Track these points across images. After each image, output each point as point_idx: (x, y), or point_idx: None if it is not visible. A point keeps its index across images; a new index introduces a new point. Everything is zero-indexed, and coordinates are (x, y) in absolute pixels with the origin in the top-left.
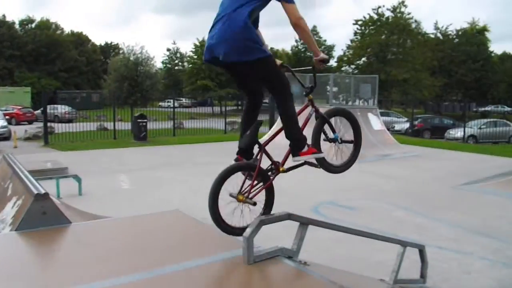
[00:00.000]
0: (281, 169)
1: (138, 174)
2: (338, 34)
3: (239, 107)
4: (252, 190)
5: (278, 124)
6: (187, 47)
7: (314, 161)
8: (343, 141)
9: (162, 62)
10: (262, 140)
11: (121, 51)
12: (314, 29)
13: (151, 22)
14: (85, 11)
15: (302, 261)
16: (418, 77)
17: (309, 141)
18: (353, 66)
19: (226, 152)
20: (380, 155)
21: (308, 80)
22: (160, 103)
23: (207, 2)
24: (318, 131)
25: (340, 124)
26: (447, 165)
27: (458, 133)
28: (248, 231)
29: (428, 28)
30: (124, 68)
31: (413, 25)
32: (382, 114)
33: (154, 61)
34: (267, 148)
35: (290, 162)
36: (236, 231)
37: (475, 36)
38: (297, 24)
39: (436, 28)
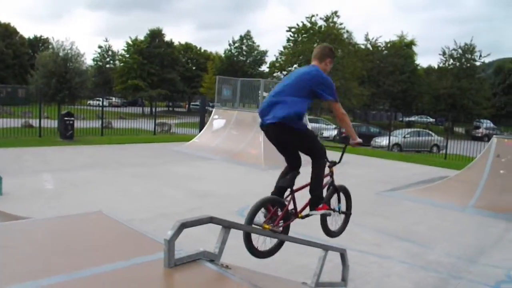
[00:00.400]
0: (299, 215)
1: (62, 174)
2: (272, 40)
3: (170, 108)
4: (277, 223)
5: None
6: (119, 45)
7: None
8: (341, 212)
9: (93, 60)
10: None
11: (50, 46)
12: (248, 33)
13: (84, 18)
14: (14, 2)
15: (224, 265)
16: (347, 86)
17: None
18: (285, 72)
19: (155, 154)
20: (308, 161)
21: (239, 84)
22: (89, 102)
23: (141, 1)
24: (330, 197)
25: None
26: (372, 172)
27: (383, 141)
28: (169, 233)
29: (359, 39)
30: (53, 63)
31: (345, 35)
32: (311, 121)
33: (84, 58)
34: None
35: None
36: (261, 255)
37: (403, 49)
38: (342, 118)
39: (367, 39)
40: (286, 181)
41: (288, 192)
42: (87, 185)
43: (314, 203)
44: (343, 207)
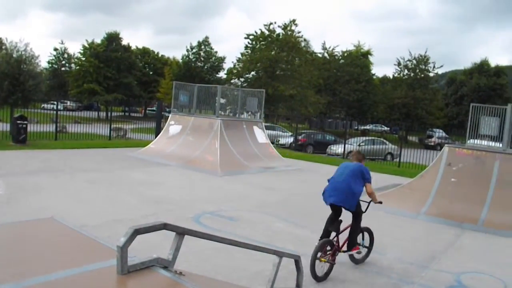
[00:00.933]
0: (341, 250)
1: (14, 179)
2: (230, 47)
3: (126, 113)
4: (330, 257)
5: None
6: (75, 48)
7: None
8: (364, 246)
9: (48, 62)
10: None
11: (3, 47)
12: (206, 39)
13: (40, 19)
14: None
15: (178, 271)
16: (304, 94)
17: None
18: (242, 79)
19: (109, 159)
20: (264, 168)
21: (196, 90)
22: (44, 105)
23: (98, 4)
24: (356, 236)
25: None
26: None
27: (339, 149)
28: (121, 240)
29: (316, 47)
30: (6, 65)
31: (302, 44)
32: (268, 128)
33: (39, 60)
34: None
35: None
36: (320, 278)
37: (359, 59)
38: (371, 194)
39: (324, 48)
40: (335, 227)
41: (334, 234)
42: (39, 191)
43: (350, 245)
44: (366, 243)
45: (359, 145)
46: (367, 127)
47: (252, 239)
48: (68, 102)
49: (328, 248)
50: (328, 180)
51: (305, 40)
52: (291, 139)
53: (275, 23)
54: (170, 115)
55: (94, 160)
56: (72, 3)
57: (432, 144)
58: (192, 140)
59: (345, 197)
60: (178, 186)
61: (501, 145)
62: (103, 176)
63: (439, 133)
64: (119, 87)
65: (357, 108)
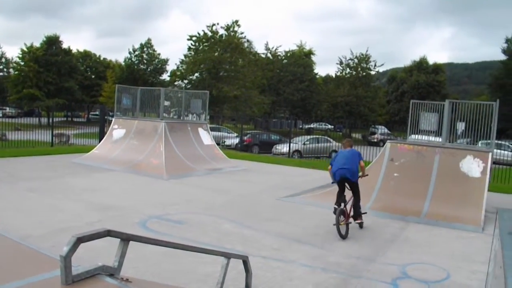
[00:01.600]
0: (350, 219)
1: None
2: (174, 48)
3: (69, 119)
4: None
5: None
6: (14, 52)
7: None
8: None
9: None
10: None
11: None
12: (149, 42)
13: None
14: None
15: (124, 278)
16: (248, 94)
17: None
18: (186, 81)
19: (52, 166)
20: (210, 169)
21: (139, 93)
22: None
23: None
24: (360, 207)
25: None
26: (273, 178)
27: (284, 148)
28: (64, 249)
29: (259, 48)
30: None
31: (246, 45)
32: (214, 129)
33: None
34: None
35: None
36: (344, 236)
37: (302, 59)
38: (363, 167)
39: (267, 48)
40: (343, 199)
41: (342, 205)
42: None
43: (356, 216)
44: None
45: (304, 144)
46: (312, 125)
47: (201, 241)
48: (7, 109)
49: (342, 216)
50: (331, 164)
51: (248, 41)
52: (236, 140)
53: (217, 24)
54: (113, 119)
55: (36, 167)
56: (11, 6)
57: (375, 140)
58: (136, 144)
59: (352, 173)
60: (123, 191)
61: (440, 139)
62: (45, 184)
63: (381, 129)
64: (61, 91)
65: (301, 107)
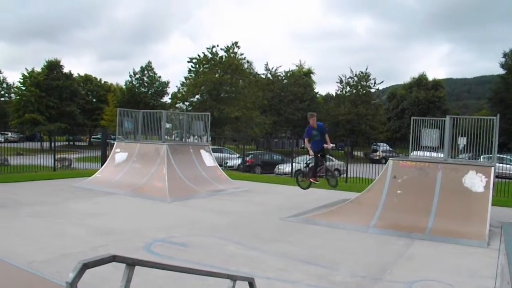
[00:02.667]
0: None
1: None
2: (174, 71)
3: (71, 143)
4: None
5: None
6: (14, 77)
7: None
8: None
9: None
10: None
11: None
12: (149, 64)
13: None
14: None
15: None
16: (249, 115)
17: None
18: (187, 103)
19: (55, 191)
20: (213, 191)
21: (140, 116)
22: None
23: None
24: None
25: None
26: (276, 198)
27: (286, 168)
28: (70, 276)
29: (259, 68)
30: None
31: (245, 65)
32: (215, 151)
33: None
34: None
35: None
36: (304, 189)
37: (302, 78)
38: (328, 140)
39: (267, 69)
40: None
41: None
42: None
43: (310, 174)
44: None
45: (306, 163)
46: None
47: (206, 264)
48: (9, 134)
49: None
50: (307, 137)
51: (248, 62)
52: (239, 161)
53: (217, 46)
54: (115, 143)
55: (39, 192)
56: (12, 31)
57: (377, 158)
58: (139, 167)
59: (322, 146)
60: (127, 215)
61: (442, 155)
62: (48, 209)
63: (383, 146)
64: (62, 116)
65: (303, 127)
